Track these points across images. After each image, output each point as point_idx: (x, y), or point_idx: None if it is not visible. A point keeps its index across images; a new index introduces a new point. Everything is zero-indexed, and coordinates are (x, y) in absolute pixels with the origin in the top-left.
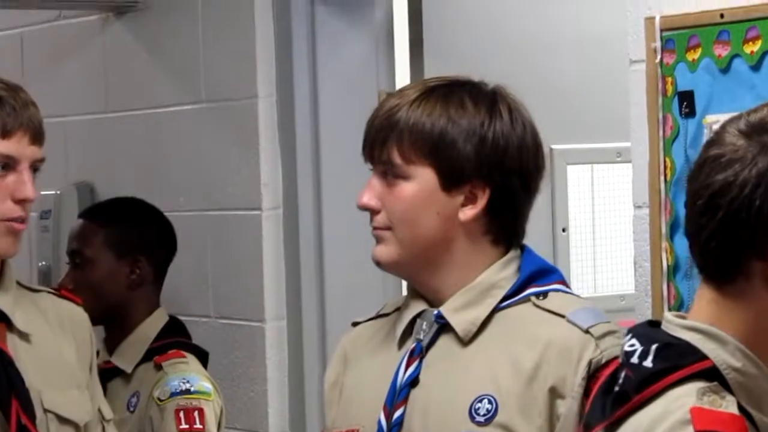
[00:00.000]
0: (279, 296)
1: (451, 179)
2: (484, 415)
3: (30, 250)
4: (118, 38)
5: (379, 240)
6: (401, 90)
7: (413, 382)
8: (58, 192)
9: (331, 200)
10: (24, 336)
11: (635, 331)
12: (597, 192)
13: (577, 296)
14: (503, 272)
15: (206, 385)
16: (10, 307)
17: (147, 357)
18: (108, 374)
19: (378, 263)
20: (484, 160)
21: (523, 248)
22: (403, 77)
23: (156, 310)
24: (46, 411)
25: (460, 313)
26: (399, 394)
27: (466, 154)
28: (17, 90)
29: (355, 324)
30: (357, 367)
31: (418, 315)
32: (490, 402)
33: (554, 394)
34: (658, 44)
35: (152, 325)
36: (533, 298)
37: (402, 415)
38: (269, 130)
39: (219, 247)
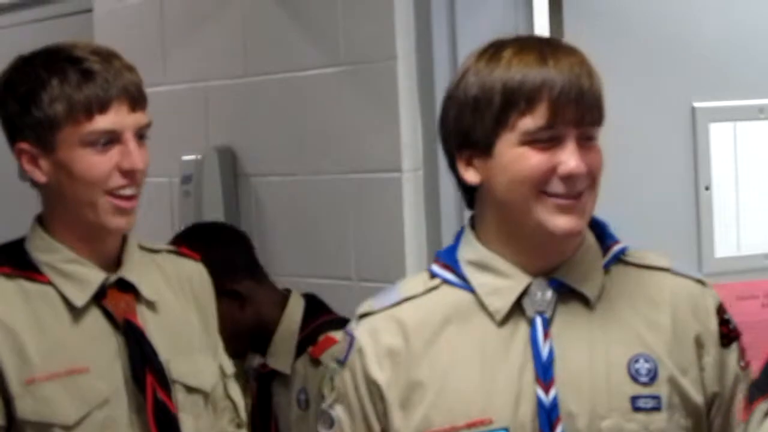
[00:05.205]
0: (420, 258)
1: None
2: (646, 374)
3: (172, 215)
4: (257, 1)
5: None
6: None
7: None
8: (199, 157)
9: None
10: (151, 305)
11: None
12: (740, 150)
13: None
14: (589, 233)
15: None
16: (137, 277)
17: (300, 348)
18: (268, 377)
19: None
20: None
21: None
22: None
23: (289, 297)
24: (173, 381)
25: (586, 278)
26: (546, 374)
27: None
28: (110, 59)
29: (364, 315)
30: (428, 356)
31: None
32: (647, 360)
33: (698, 345)
34: None
35: (292, 316)
36: (621, 257)
37: (555, 395)
38: (409, 90)
39: (359, 210)
